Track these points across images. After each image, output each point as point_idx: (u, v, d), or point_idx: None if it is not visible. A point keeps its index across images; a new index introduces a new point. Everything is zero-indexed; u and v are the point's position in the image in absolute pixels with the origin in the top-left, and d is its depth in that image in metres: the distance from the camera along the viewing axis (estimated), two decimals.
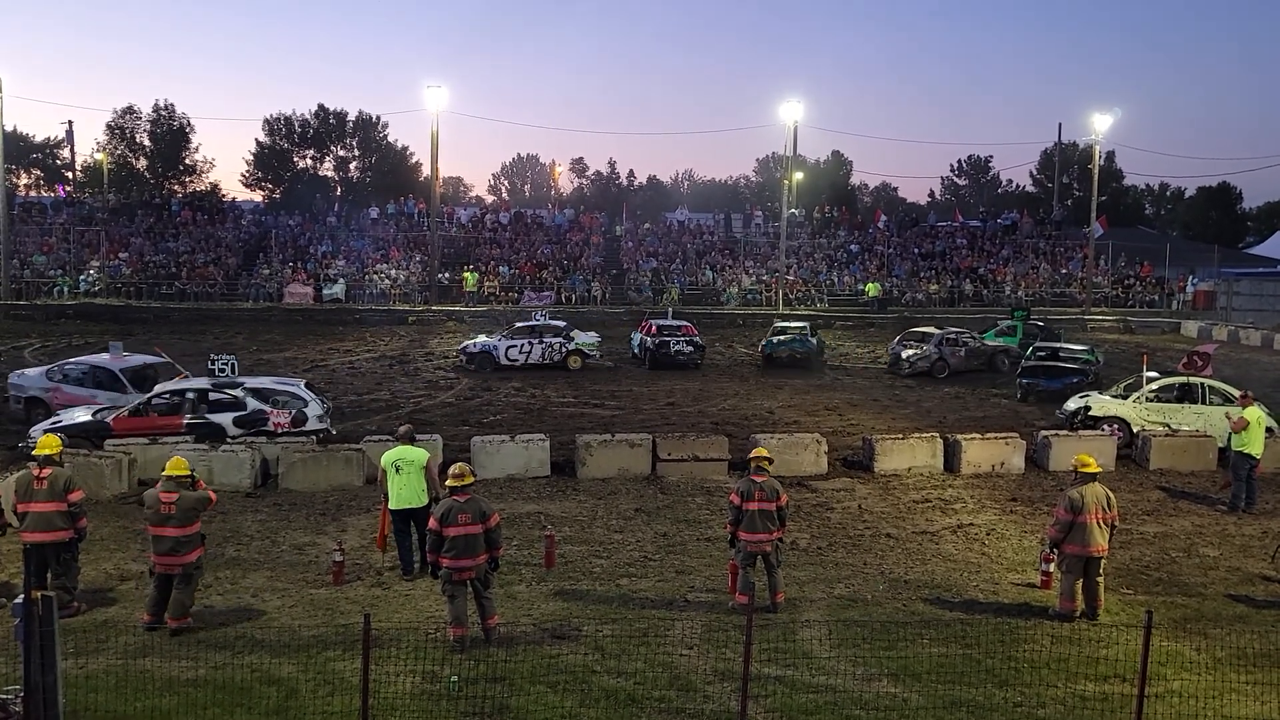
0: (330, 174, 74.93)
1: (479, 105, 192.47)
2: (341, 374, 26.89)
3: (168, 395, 16.81)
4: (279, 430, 16.46)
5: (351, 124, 74.85)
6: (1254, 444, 14.23)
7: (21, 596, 5.68)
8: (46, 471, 9.77)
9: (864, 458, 16.55)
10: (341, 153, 75.61)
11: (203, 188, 70.24)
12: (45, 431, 15.71)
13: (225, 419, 16.43)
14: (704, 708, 7.98)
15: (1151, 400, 18.32)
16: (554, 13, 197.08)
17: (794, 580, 10.80)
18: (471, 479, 9.43)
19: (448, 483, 9.45)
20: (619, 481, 15.22)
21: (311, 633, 9.32)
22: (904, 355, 28.03)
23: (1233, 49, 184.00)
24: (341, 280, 44.84)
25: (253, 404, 16.65)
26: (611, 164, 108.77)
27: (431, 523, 9.33)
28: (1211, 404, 17.94)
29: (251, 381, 17.49)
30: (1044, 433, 17.17)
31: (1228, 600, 10.77)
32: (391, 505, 11.04)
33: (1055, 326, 34.42)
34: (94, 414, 16.69)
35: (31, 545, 9.66)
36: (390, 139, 76.56)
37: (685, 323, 31.12)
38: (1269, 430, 16.00)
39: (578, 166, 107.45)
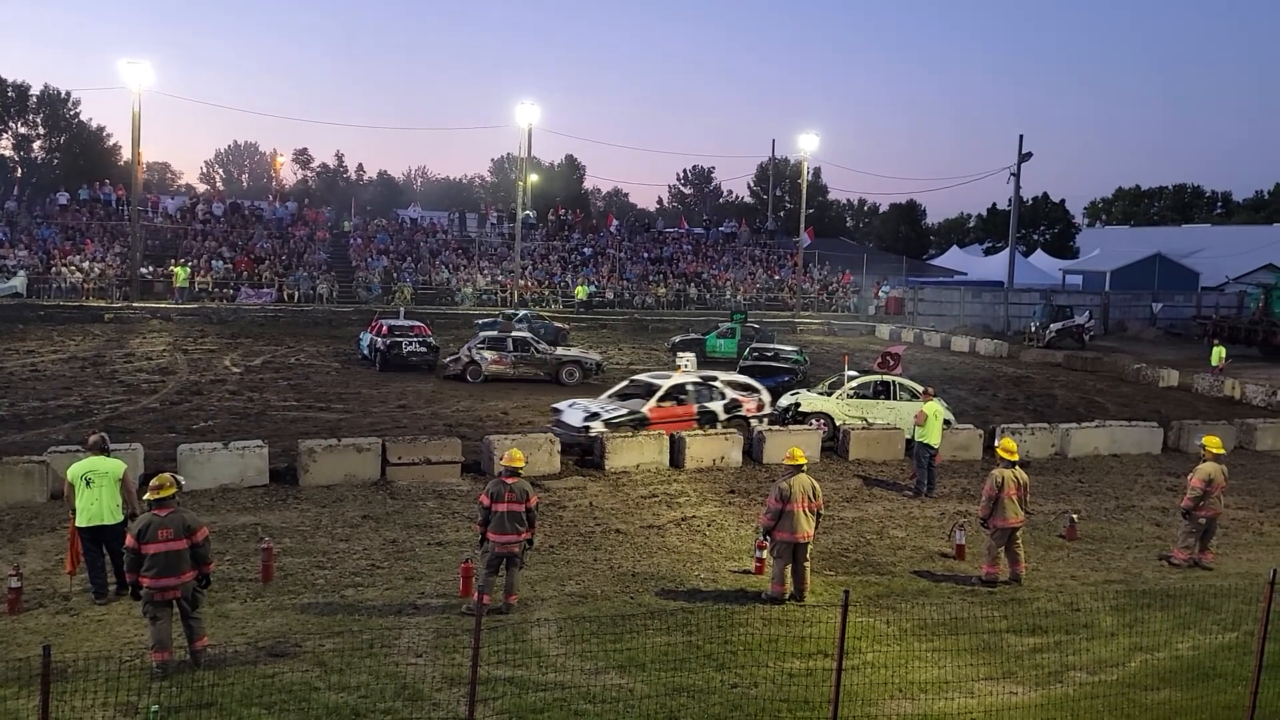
0: (9, 154, 66.31)
1: (190, 87, 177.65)
2: (21, 377, 23.88)
3: (677, 388, 18.81)
4: (748, 414, 18.84)
5: (35, 99, 66.67)
6: (932, 435, 15.96)
7: None
8: None
9: (595, 456, 16.92)
10: (23, 130, 67.18)
11: None
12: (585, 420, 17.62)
13: (718, 407, 18.71)
14: (432, 715, 7.82)
15: (852, 397, 20.08)
16: None
17: (526, 579, 10.84)
18: (172, 490, 8.64)
19: (145, 496, 8.65)
20: (345, 488, 14.61)
21: None
22: (445, 359, 27.51)
23: (921, 77, 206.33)
24: (22, 272, 39.79)
25: (730, 394, 19.01)
26: (339, 156, 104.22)
27: (128, 540, 8.50)
28: (902, 399, 19.94)
29: (723, 376, 19.89)
30: (759, 428, 18.36)
31: (913, 576, 12.02)
32: (79, 522, 9.93)
33: (769, 328, 36.98)
34: (626, 403, 18.61)
35: None
36: (84, 118, 69.17)
37: (418, 323, 30.37)
38: (946, 423, 18.07)
39: (301, 158, 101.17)
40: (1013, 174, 52.32)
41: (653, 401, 18.23)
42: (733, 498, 15.29)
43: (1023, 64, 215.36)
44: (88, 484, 9.95)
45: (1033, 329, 42.50)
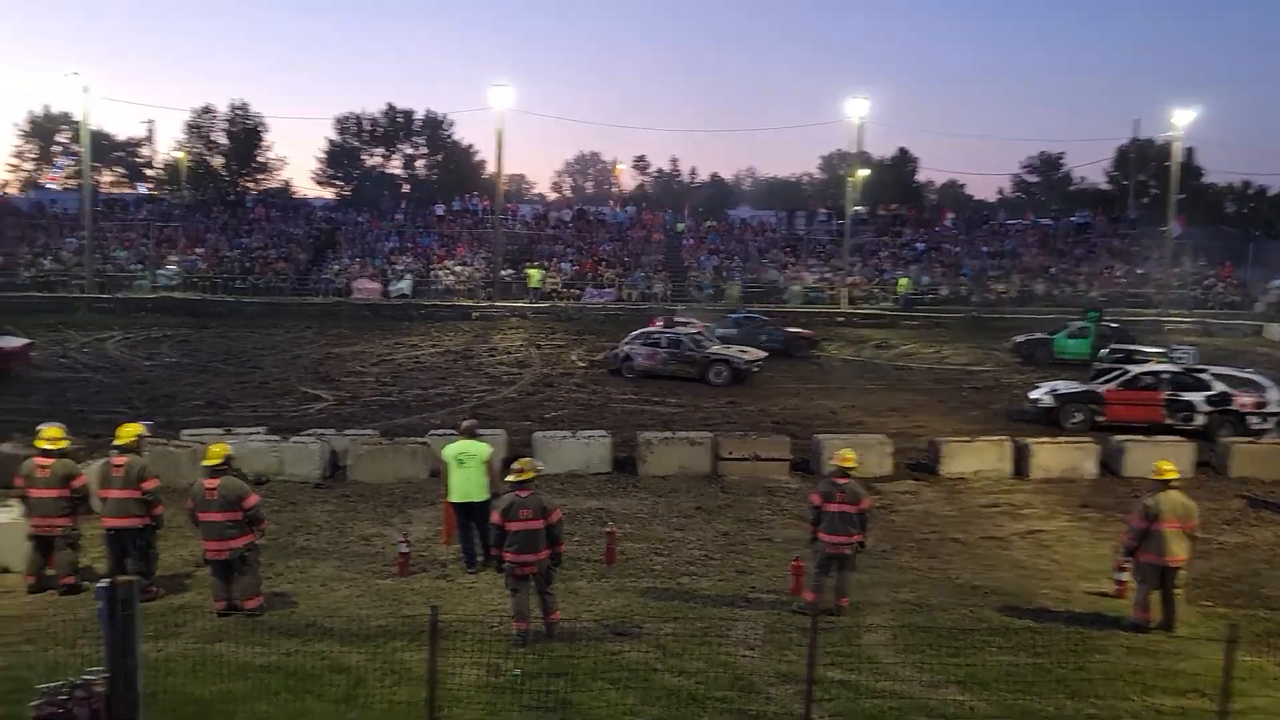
0: (398, 171, 76.09)
1: (542, 103, 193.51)
2: (407, 368, 27.29)
3: (1148, 374, 19.65)
4: (1243, 410, 18.53)
5: (419, 123, 75.88)
6: None
7: (104, 581, 5.82)
8: (123, 459, 10.05)
9: (929, 460, 16.26)
10: (409, 150, 76.69)
11: (275, 185, 71.93)
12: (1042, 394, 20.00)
13: (1197, 397, 18.77)
14: (766, 709, 7.91)
15: None
16: (618, 11, 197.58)
17: (857, 583, 10.62)
18: (533, 474, 9.43)
19: (509, 478, 9.51)
20: (679, 479, 15.18)
21: (378, 622, 9.47)
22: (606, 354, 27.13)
23: None
24: (408, 276, 45.47)
25: (1218, 386, 18.91)
26: (673, 161, 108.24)
27: (494, 517, 9.40)
28: None
29: (1214, 368, 20.22)
30: (1118, 437, 16.68)
31: None
32: (452, 498, 11.18)
33: (1130, 328, 33.43)
34: (1091, 383, 19.99)
35: (110, 530, 9.98)
36: (455, 137, 77.53)
37: (692, 320, 30.67)
38: None
39: (639, 164, 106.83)
40: None
41: (1114, 383, 18.64)
42: (1087, 512, 14.02)
43: None
44: (460, 464, 11.15)
45: None
